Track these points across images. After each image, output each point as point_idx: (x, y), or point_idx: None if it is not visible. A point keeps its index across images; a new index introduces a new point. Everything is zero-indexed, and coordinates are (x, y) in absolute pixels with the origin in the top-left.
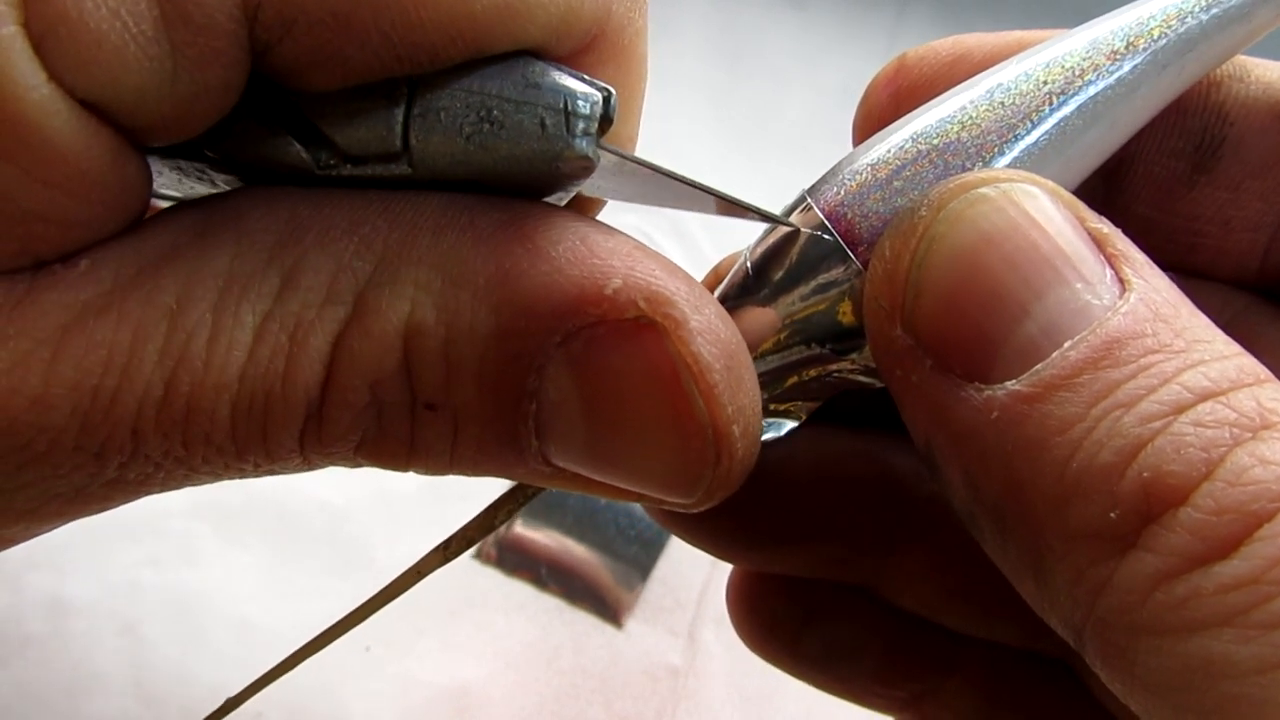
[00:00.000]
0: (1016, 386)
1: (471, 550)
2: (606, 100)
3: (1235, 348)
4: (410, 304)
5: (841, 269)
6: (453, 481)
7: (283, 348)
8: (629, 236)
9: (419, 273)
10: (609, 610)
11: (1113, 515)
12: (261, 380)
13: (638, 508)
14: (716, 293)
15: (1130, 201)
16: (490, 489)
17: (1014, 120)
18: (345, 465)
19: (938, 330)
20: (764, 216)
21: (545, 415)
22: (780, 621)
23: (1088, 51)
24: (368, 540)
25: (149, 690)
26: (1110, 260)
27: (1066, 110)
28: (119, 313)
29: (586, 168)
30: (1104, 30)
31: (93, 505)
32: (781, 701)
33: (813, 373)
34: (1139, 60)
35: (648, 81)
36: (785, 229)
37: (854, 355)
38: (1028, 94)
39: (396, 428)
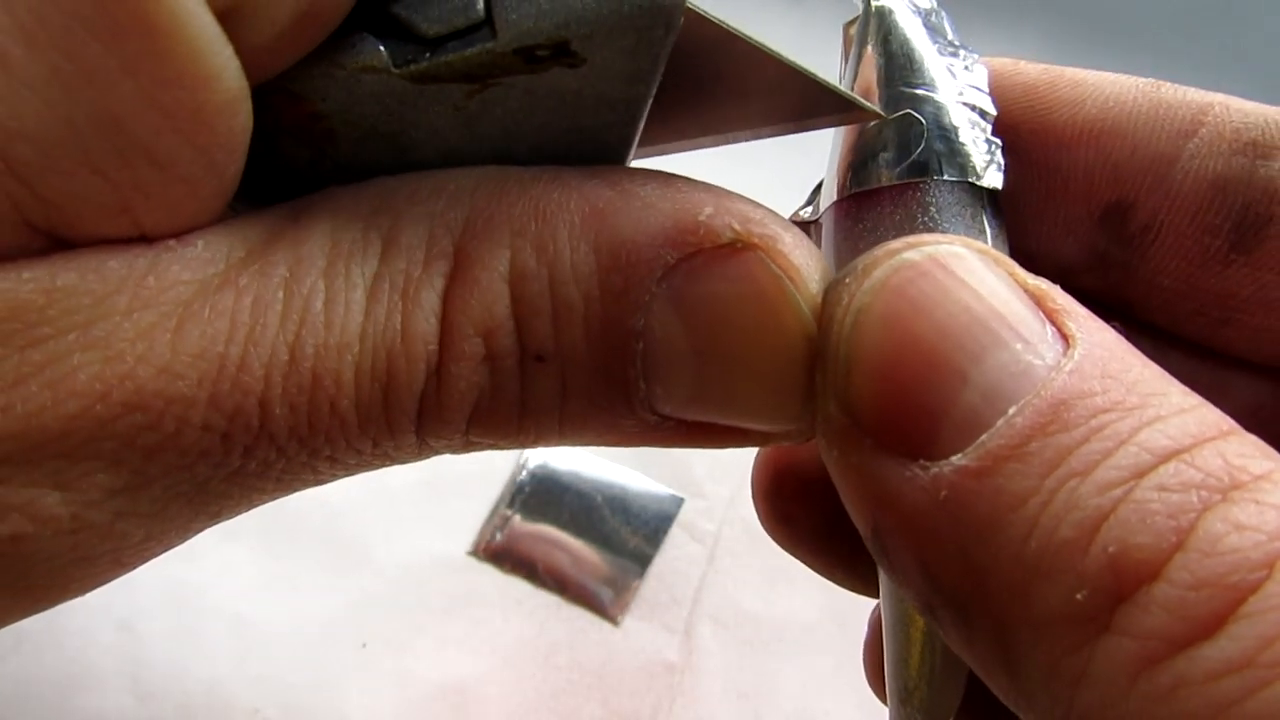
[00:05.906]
0: (963, 461)
1: (468, 547)
2: None
3: (1194, 399)
4: (510, 250)
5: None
6: (449, 479)
7: (396, 305)
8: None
9: (513, 216)
10: (605, 607)
11: (1080, 597)
12: (382, 337)
13: (634, 504)
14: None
15: (1154, 273)
16: (486, 487)
17: None
18: (456, 448)
19: (873, 407)
20: (872, 113)
21: (652, 356)
22: (803, 516)
23: None
24: (364, 537)
25: (144, 686)
26: (1050, 316)
27: None
28: (237, 287)
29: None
30: None
31: (210, 506)
32: (777, 697)
33: None
34: None
35: None
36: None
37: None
38: None
39: (508, 386)
